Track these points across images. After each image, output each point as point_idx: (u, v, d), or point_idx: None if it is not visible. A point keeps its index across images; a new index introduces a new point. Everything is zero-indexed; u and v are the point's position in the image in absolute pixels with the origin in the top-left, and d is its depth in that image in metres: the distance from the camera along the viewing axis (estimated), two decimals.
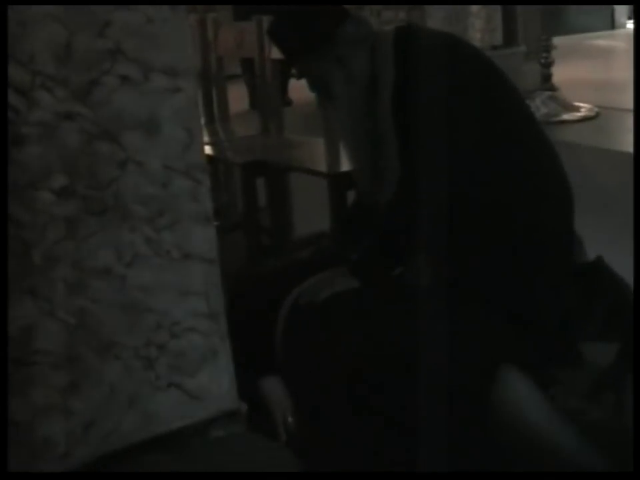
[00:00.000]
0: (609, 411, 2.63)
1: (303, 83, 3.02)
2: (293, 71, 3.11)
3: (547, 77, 8.49)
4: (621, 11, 15.57)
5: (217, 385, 2.21)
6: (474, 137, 2.74)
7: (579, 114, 8.30)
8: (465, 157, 2.73)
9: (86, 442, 2.04)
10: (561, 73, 8.91)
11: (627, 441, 2.41)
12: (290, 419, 2.63)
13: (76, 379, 2.02)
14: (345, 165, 3.52)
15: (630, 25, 15.30)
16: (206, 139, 4.67)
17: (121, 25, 1.96)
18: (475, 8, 8.88)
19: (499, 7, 9.06)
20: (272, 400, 2.63)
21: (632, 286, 3.12)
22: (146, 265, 2.05)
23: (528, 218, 2.82)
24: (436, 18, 8.67)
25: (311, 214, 4.35)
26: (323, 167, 3.96)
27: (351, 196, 3.50)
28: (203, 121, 4.98)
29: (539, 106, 8.18)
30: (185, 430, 2.18)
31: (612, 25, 15.66)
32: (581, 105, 8.47)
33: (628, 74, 10.87)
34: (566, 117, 8.19)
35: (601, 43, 14.15)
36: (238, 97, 9.03)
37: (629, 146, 7.04)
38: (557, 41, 8.85)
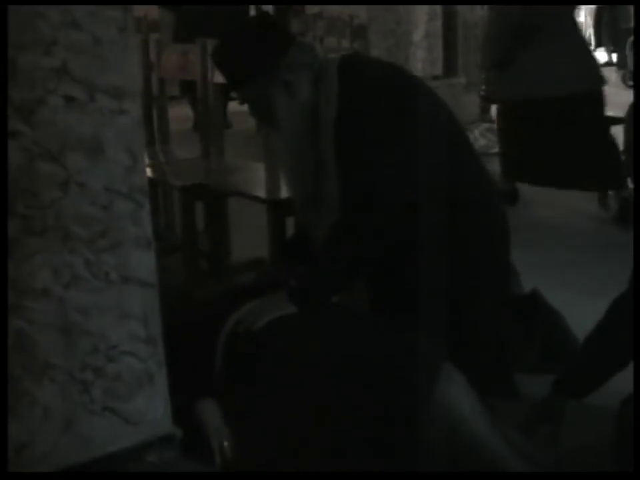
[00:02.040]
0: (542, 442, 2.66)
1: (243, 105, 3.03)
2: (233, 93, 3.10)
3: (485, 109, 8.57)
4: None
5: (152, 409, 2.19)
6: (412, 167, 2.76)
7: None
8: (402, 186, 2.75)
9: (19, 465, 2.01)
10: None
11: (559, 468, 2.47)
12: (226, 444, 2.61)
13: (10, 401, 2.00)
14: (285, 191, 3.52)
15: None
16: (146, 160, 4.64)
17: (68, 45, 1.94)
18: (417, 38, 8.95)
19: (440, 38, 9.14)
20: (208, 425, 2.60)
21: (565, 318, 3.17)
22: (84, 287, 2.03)
23: (464, 248, 2.85)
24: (379, 47, 8.73)
25: (250, 239, 4.35)
26: (262, 192, 3.96)
27: (290, 222, 3.50)
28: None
29: (477, 137, 8.25)
30: (119, 454, 2.15)
31: None
32: None
33: None
34: None
35: None
36: (179, 118, 9.01)
37: None
38: None
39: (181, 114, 9.38)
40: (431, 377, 2.49)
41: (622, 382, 2.62)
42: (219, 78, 4.35)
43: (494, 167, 7.19)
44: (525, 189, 6.47)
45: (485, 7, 8.56)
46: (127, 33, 2.02)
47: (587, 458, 2.72)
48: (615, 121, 5.84)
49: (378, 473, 2.47)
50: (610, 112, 5.97)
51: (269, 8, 10.35)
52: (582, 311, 2.94)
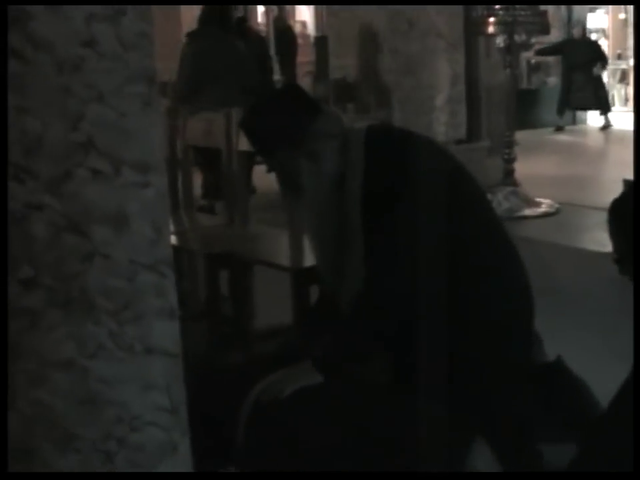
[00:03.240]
0: None
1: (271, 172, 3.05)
2: (259, 158, 3.13)
3: (509, 172, 8.60)
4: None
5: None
6: (438, 238, 2.77)
7: (540, 210, 8.40)
8: (427, 258, 2.76)
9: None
10: (522, 168, 9.04)
11: None
12: None
13: (32, 471, 2.00)
14: (309, 260, 3.54)
15: (590, 121, 15.57)
16: (170, 227, 4.67)
17: (94, 119, 1.97)
18: (439, 102, 9.01)
19: (463, 102, 9.20)
20: None
21: (589, 386, 3.15)
22: (108, 357, 2.04)
23: (487, 317, 2.85)
24: (401, 112, 8.79)
25: (275, 306, 4.35)
26: (286, 260, 3.98)
27: (314, 290, 3.51)
28: None
29: (501, 201, 8.27)
30: None
31: (573, 119, 15.92)
32: (542, 200, 8.58)
33: (588, 170, 11.06)
34: (527, 212, 8.29)
35: (562, 138, 14.37)
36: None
37: (589, 243, 7.14)
38: (519, 135, 8.99)
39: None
40: (461, 451, 2.49)
41: None
42: (243, 145, 4.39)
43: (517, 230, 7.23)
44: (545, 253, 6.48)
45: (508, 70, 8.62)
46: (151, 107, 2.05)
47: None
48: None
49: (378, 473, 2.47)
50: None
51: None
52: (606, 377, 2.92)
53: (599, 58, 15.22)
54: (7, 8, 1.88)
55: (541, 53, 14.69)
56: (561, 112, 15.16)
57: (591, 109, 15.44)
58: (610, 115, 15.51)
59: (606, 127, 15.29)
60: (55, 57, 1.91)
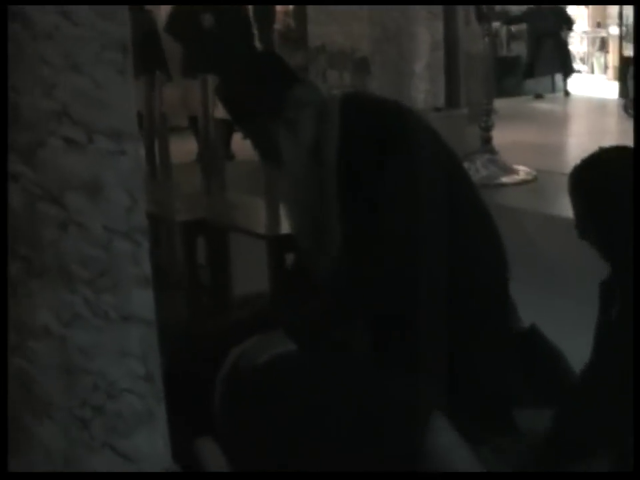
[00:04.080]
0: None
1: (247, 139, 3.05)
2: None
3: (486, 140, 8.62)
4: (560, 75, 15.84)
5: (151, 446, 2.20)
6: (412, 202, 2.79)
7: (517, 177, 8.43)
8: (403, 224, 2.78)
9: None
10: (501, 136, 9.05)
11: None
12: None
13: (10, 439, 2.02)
14: (285, 227, 3.55)
15: (569, 88, 15.57)
16: (148, 195, 4.66)
17: (68, 87, 1.97)
18: (418, 70, 9.02)
19: (442, 70, 9.20)
20: (207, 461, 2.62)
21: (563, 353, 3.18)
22: (84, 325, 2.05)
23: (463, 283, 2.87)
24: (380, 79, 8.78)
25: (251, 273, 4.37)
26: (262, 228, 3.99)
27: (290, 258, 3.52)
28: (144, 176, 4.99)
29: (479, 168, 8.29)
30: None
31: (552, 87, 15.92)
32: (520, 168, 8.60)
33: (566, 137, 11.09)
34: (505, 179, 8.31)
35: (541, 106, 14.38)
36: (183, 149, 9.05)
37: (566, 210, 7.16)
38: (498, 103, 9.00)
39: (185, 145, 9.42)
40: (422, 429, 2.52)
41: None
42: (220, 113, 4.39)
43: (495, 198, 7.25)
44: (522, 220, 6.52)
45: (486, 39, 8.62)
46: (125, 76, 2.05)
47: None
48: None
49: (378, 473, 2.50)
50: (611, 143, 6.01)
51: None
52: (581, 345, 2.94)
53: (565, 22, 15.18)
54: (6, 8, 1.88)
55: (508, 21, 14.63)
56: (525, 77, 15.10)
57: (556, 72, 15.39)
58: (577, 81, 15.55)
59: (567, 93, 15.27)
60: (29, 25, 1.90)
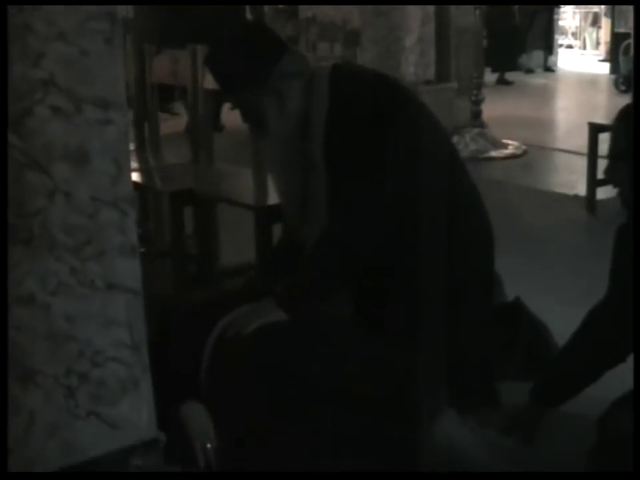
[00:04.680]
0: (519, 443, 2.72)
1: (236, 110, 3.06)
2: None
3: (476, 114, 8.61)
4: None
5: (136, 414, 2.23)
6: (398, 173, 2.81)
7: (506, 151, 8.42)
8: (389, 197, 2.79)
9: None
10: (491, 110, 9.06)
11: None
12: (209, 446, 2.64)
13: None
14: (272, 198, 3.56)
15: (560, 64, 15.52)
16: (136, 165, 4.67)
17: (55, 56, 1.98)
18: (409, 43, 8.99)
19: (433, 43, 9.17)
20: (192, 426, 2.63)
21: (547, 326, 3.20)
22: (70, 294, 2.07)
23: (448, 257, 2.88)
24: (371, 52, 8.76)
25: (239, 244, 4.37)
26: (250, 199, 3.99)
27: (278, 228, 3.53)
28: (133, 146, 4.98)
29: (468, 142, 8.29)
30: (103, 458, 2.19)
31: (545, 63, 15.87)
32: (509, 142, 8.61)
33: (556, 113, 11.09)
34: (494, 154, 8.30)
35: (533, 81, 14.36)
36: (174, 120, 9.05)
37: (554, 185, 7.19)
38: (489, 77, 8.99)
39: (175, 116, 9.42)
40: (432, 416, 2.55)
41: (601, 388, 2.67)
42: (209, 83, 4.38)
43: (484, 172, 7.26)
44: (511, 194, 6.54)
45: (477, 12, 8.61)
46: (113, 45, 2.05)
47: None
48: (604, 128, 5.86)
49: (378, 473, 2.52)
50: (601, 119, 6.04)
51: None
52: (567, 318, 2.97)
53: None
54: (6, 8, 1.88)
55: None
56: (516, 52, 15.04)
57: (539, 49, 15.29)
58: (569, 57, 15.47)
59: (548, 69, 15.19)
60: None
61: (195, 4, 8.87)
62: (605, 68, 14.43)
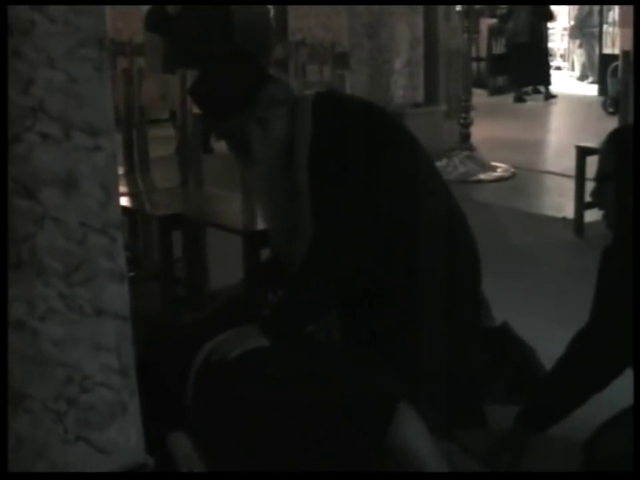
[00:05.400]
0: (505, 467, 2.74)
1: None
2: None
3: (465, 137, 8.64)
4: None
5: (125, 439, 2.23)
6: (383, 199, 2.83)
7: (495, 174, 8.45)
8: (373, 221, 2.81)
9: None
10: (479, 133, 9.09)
11: None
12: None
13: None
14: (261, 223, 3.58)
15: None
16: (125, 189, 4.68)
17: (44, 83, 1.99)
18: (398, 65, 9.03)
19: (421, 66, 9.22)
20: (178, 454, 2.64)
21: (534, 350, 3.21)
22: (59, 319, 2.07)
23: (434, 280, 2.90)
24: (360, 74, 8.80)
25: (227, 268, 4.38)
26: (238, 223, 4.01)
27: (265, 253, 3.54)
28: (122, 170, 4.99)
29: (457, 165, 8.32)
30: None
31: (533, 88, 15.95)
32: (498, 164, 8.64)
33: (545, 135, 11.13)
34: (483, 176, 8.33)
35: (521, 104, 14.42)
36: (163, 141, 9.04)
37: (543, 207, 7.22)
38: (479, 99, 9.02)
39: (165, 137, 9.43)
40: (386, 418, 2.55)
41: (588, 411, 2.69)
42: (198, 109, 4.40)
43: (473, 194, 7.29)
44: (499, 217, 6.56)
45: (466, 35, 8.65)
46: (102, 72, 2.06)
47: None
48: (591, 151, 5.88)
49: (378, 473, 2.53)
50: (589, 142, 6.07)
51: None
52: (554, 339, 2.98)
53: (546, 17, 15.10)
54: (6, 8, 1.89)
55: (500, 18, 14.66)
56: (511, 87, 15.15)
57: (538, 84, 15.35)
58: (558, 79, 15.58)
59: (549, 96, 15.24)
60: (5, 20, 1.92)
61: (195, 4, 8.95)
62: (593, 89, 14.52)
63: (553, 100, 14.38)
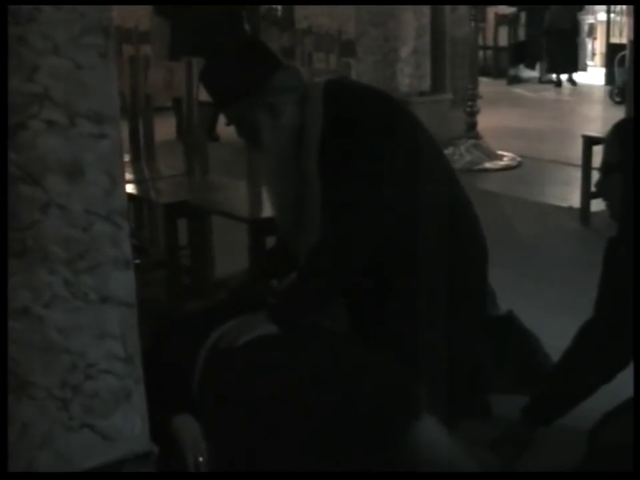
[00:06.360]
0: (506, 461, 2.73)
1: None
2: None
3: (471, 125, 8.62)
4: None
5: (129, 426, 2.23)
6: (391, 187, 2.82)
7: (501, 163, 8.44)
8: (383, 209, 2.81)
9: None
10: (486, 121, 9.07)
11: None
12: (201, 459, 2.64)
13: None
14: (267, 211, 3.57)
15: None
16: (131, 176, 4.68)
17: (50, 70, 1.98)
18: (404, 54, 9.02)
19: (428, 54, 9.20)
20: (184, 440, 2.64)
21: (539, 339, 3.21)
22: (64, 306, 2.07)
23: (442, 269, 2.90)
24: (366, 62, 8.78)
25: (233, 256, 4.38)
26: (244, 211, 4.01)
27: (272, 241, 3.54)
28: (128, 158, 4.99)
29: (463, 153, 8.31)
30: (96, 470, 2.19)
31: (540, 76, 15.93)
32: (504, 153, 8.63)
33: (551, 123, 11.11)
34: (489, 165, 8.32)
35: (528, 93, 14.39)
36: (168, 129, 9.05)
37: (549, 197, 7.20)
38: (484, 88, 9.00)
39: (169, 125, 9.44)
40: (413, 415, 2.55)
41: (594, 404, 2.68)
42: (203, 96, 4.39)
43: (478, 183, 7.28)
44: (505, 206, 6.55)
45: (472, 23, 8.63)
46: (107, 59, 2.06)
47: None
48: (597, 140, 5.88)
49: (378, 473, 2.53)
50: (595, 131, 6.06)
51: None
52: (560, 329, 2.97)
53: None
54: (6, 8, 1.88)
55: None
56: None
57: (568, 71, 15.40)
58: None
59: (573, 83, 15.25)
60: (10, 7, 1.91)
61: (194, 4, 8.93)
62: (600, 79, 14.49)
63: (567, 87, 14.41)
